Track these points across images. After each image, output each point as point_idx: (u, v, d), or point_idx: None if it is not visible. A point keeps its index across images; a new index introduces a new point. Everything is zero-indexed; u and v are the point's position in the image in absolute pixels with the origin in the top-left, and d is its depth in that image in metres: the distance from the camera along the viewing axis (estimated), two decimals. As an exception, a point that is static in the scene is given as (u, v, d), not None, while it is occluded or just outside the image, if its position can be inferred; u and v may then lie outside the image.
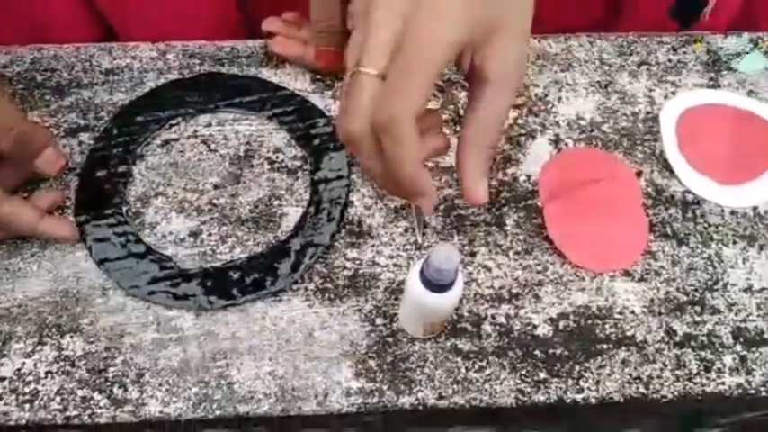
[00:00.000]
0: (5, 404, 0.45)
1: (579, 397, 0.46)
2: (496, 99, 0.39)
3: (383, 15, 0.36)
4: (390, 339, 0.48)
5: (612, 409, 0.48)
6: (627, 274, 0.50)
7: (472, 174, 0.40)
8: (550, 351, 0.48)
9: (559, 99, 0.57)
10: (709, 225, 0.52)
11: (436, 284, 0.39)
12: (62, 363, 0.46)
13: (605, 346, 0.48)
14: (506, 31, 0.38)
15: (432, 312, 0.42)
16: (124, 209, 0.51)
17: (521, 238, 0.52)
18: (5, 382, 0.46)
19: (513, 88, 0.39)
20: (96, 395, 0.45)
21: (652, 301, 0.49)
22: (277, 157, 0.54)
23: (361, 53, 0.36)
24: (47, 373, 0.46)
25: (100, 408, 0.45)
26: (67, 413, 0.45)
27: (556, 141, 0.55)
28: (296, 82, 0.57)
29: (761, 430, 0.60)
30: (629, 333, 0.48)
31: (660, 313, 0.49)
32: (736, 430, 0.60)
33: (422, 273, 0.39)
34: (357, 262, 0.50)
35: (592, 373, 0.47)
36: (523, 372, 0.47)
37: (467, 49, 0.38)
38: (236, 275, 0.48)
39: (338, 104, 0.55)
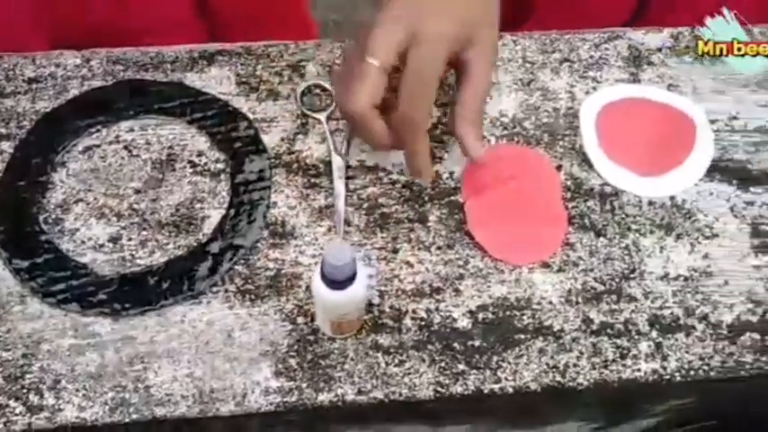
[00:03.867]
0: None
1: (497, 387, 0.47)
2: (483, 77, 0.49)
3: (392, 18, 0.46)
4: (311, 338, 0.48)
5: (536, 401, 0.49)
6: (546, 265, 0.51)
7: (474, 136, 0.49)
8: (469, 343, 0.48)
9: (482, 97, 0.58)
10: (627, 216, 0.53)
11: (334, 281, 0.39)
12: (-22, 372, 0.46)
13: (523, 337, 0.49)
14: (483, 25, 0.48)
15: (335, 309, 0.43)
16: (42, 216, 0.51)
17: (443, 233, 0.52)
18: None
19: (492, 67, 0.50)
20: (12, 402, 0.45)
21: (569, 291, 0.50)
22: (200, 161, 0.54)
23: (370, 46, 0.45)
24: (-38, 382, 0.46)
25: (15, 415, 0.45)
26: (-18, 422, 0.44)
27: (478, 138, 0.56)
28: (220, 86, 0.57)
29: (695, 416, 0.61)
30: (546, 323, 0.49)
31: (577, 303, 0.50)
32: (672, 419, 0.61)
33: (321, 270, 0.40)
34: (280, 262, 0.50)
35: (509, 363, 0.48)
36: (442, 364, 0.47)
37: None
38: (153, 280, 0.48)
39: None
